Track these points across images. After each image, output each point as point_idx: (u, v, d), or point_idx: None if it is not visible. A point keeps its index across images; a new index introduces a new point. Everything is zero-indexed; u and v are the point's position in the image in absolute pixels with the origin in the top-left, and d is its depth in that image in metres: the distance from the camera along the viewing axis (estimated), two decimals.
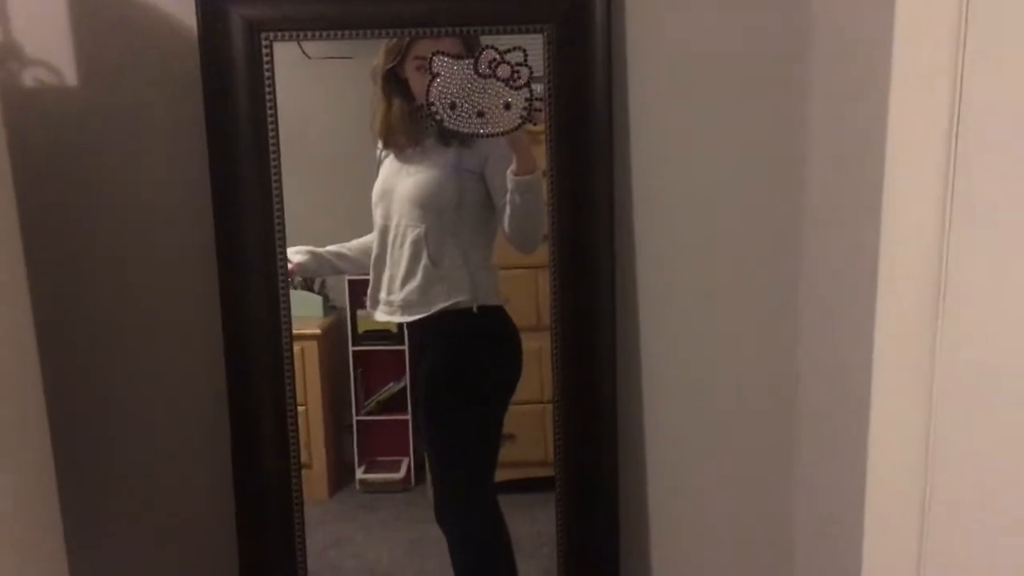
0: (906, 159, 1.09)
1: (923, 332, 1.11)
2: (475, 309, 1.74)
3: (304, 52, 1.92)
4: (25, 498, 1.22)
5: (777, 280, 1.38)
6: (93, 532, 1.51)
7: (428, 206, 1.71)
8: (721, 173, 1.40)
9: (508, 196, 1.63)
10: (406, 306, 1.77)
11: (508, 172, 1.61)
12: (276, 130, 1.43)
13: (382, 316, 1.81)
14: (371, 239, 1.79)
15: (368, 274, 1.82)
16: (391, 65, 1.66)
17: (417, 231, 1.71)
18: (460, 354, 1.82)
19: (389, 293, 1.78)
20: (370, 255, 1.80)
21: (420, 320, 1.77)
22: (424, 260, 1.72)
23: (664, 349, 1.50)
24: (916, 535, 1.17)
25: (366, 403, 2.09)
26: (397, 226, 1.74)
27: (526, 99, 1.39)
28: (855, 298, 1.17)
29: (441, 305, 1.74)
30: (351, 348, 2.06)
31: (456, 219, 1.72)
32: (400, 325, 1.94)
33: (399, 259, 1.75)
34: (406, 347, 2.02)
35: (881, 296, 1.12)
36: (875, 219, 1.09)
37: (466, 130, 1.40)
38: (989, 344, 1.08)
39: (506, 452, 1.92)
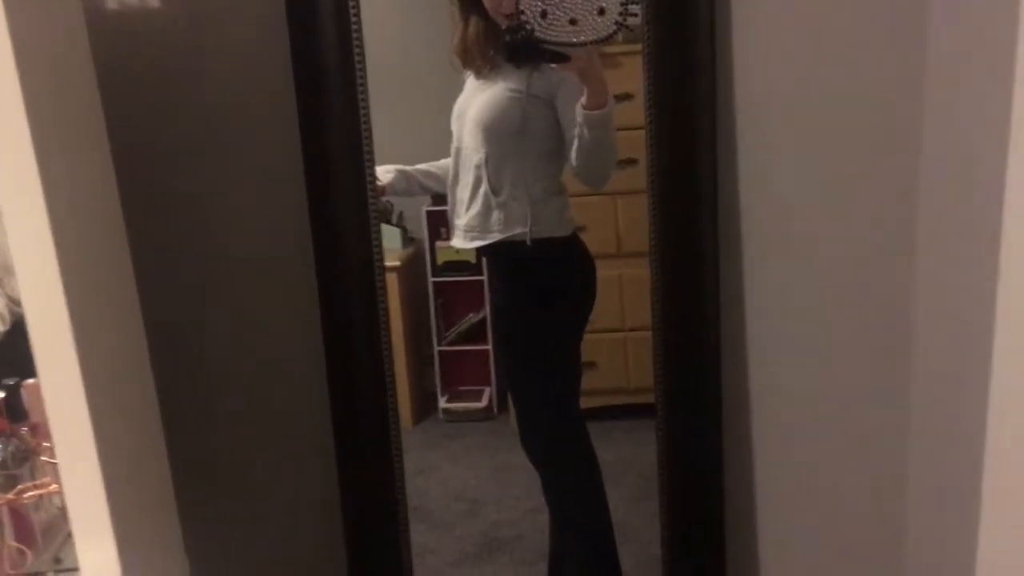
0: None
1: None
2: (528, 242, 1.63)
3: None
4: (131, 434, 1.19)
5: (898, 205, 1.25)
6: (198, 464, 1.48)
7: (490, 129, 1.61)
8: (834, 85, 1.27)
9: (577, 130, 1.51)
10: (468, 231, 1.68)
11: (578, 105, 1.49)
12: (361, 48, 1.34)
13: (454, 240, 1.73)
14: None
15: None
16: None
17: (479, 155, 1.62)
18: (520, 286, 1.73)
19: (458, 217, 1.70)
20: None
21: (484, 249, 1.69)
22: (484, 187, 1.63)
23: (770, 274, 1.39)
24: None
25: (447, 334, 2.04)
26: (466, 148, 1.66)
27: (620, 3, 1.27)
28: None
29: (497, 235, 1.64)
30: (431, 279, 2.00)
31: (519, 146, 1.61)
32: (479, 255, 1.88)
33: (466, 183, 1.66)
34: (485, 277, 1.96)
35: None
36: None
37: (559, 39, 1.29)
38: None
39: (587, 380, 1.85)
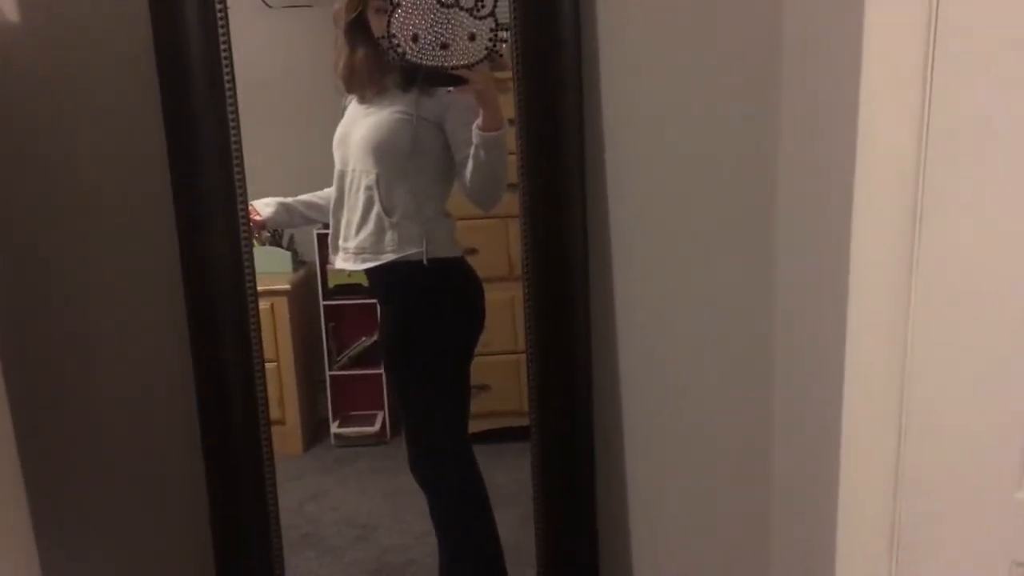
0: (882, 88, 1.01)
1: (896, 320, 1.05)
2: (425, 262, 1.62)
3: (265, 1, 1.81)
4: None
5: (757, 218, 1.29)
6: (58, 500, 1.41)
7: (379, 151, 1.59)
8: (695, 100, 1.30)
9: (472, 151, 1.52)
10: (359, 253, 1.66)
11: (474, 127, 1.49)
12: (232, 79, 1.31)
13: (340, 263, 1.71)
14: None
15: None
16: (354, 15, 1.56)
17: (370, 177, 1.61)
18: (413, 307, 1.72)
19: (346, 240, 1.68)
20: None
21: (375, 270, 1.66)
22: (377, 208, 1.61)
23: (638, 294, 1.41)
24: (889, 516, 1.12)
25: (338, 358, 1.99)
26: (353, 171, 1.64)
27: (491, 29, 1.27)
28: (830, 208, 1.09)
29: (391, 256, 1.63)
30: (322, 303, 1.96)
31: (409, 167, 1.61)
32: (370, 278, 1.86)
33: (355, 205, 1.64)
34: (377, 300, 1.93)
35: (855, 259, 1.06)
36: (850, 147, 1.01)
37: (430, 63, 1.29)
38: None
39: (482, 402, 1.84)
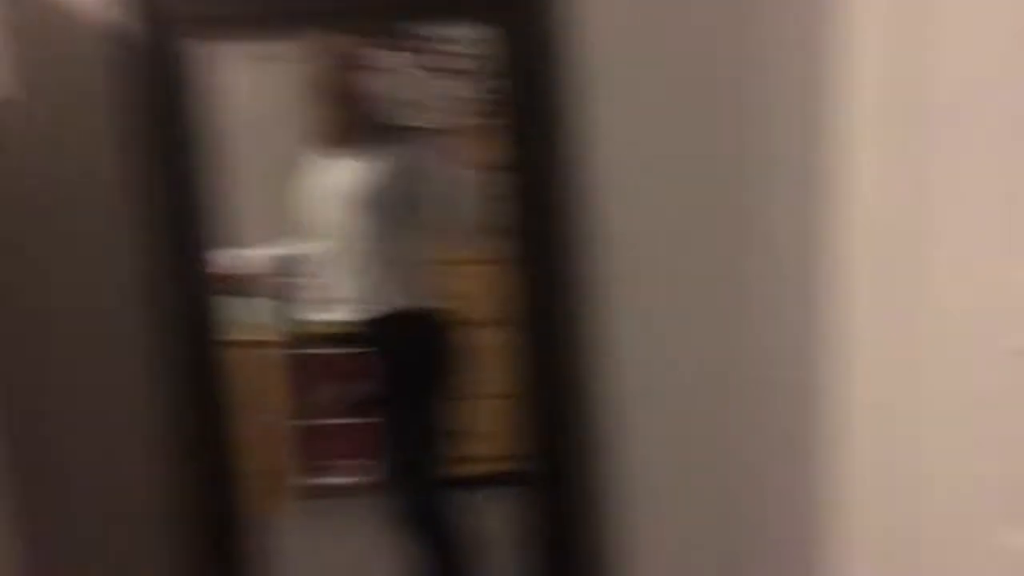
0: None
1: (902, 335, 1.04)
2: (406, 310, 1.68)
3: (235, 53, 1.80)
4: None
5: (754, 260, 1.29)
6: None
7: (358, 204, 1.62)
8: (685, 142, 1.31)
9: (442, 196, 1.58)
10: (345, 303, 1.71)
11: (443, 169, 1.56)
12: (210, 134, 1.32)
13: (330, 314, 1.75)
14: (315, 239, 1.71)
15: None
16: (330, 73, 1.56)
17: (353, 228, 1.64)
18: (394, 355, 1.75)
19: (330, 291, 1.71)
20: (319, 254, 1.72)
21: (359, 320, 1.70)
22: (359, 258, 1.66)
23: (635, 336, 1.41)
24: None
25: (320, 408, 1.96)
26: (336, 223, 1.66)
27: (471, 90, 1.29)
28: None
29: (374, 305, 1.68)
30: (302, 353, 1.93)
31: (387, 219, 1.64)
32: (353, 327, 1.85)
33: (340, 256, 1.68)
34: (358, 351, 1.91)
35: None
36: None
37: (410, 123, 1.30)
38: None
39: (470, 447, 1.82)
